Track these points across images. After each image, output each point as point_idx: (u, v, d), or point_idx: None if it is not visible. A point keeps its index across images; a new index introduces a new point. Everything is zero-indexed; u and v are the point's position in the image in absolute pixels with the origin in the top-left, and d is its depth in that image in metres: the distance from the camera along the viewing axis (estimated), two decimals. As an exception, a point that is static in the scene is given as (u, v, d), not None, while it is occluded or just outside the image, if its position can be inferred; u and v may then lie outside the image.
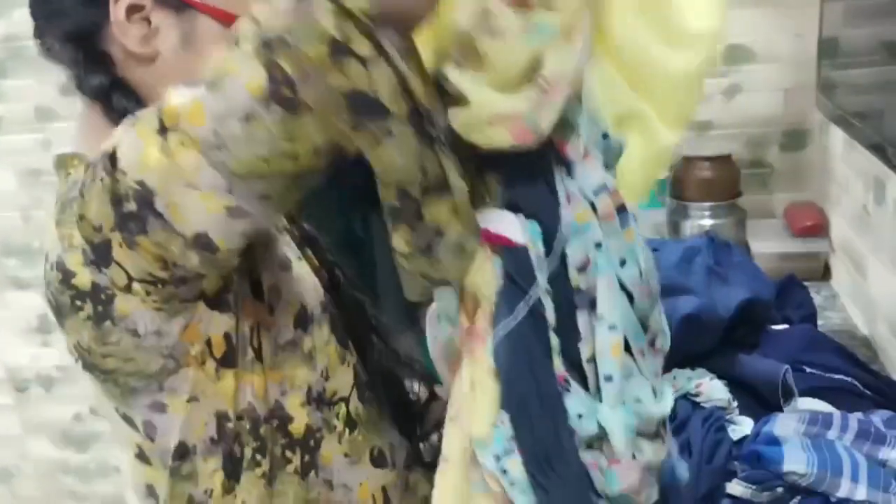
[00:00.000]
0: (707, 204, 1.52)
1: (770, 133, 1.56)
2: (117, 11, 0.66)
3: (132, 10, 0.66)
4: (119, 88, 0.69)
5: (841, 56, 1.37)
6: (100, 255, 0.61)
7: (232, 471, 0.71)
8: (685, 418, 0.78)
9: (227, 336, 0.68)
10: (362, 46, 0.49)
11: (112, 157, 0.58)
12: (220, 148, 0.54)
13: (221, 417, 0.69)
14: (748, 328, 0.97)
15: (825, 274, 1.43)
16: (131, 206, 0.58)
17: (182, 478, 0.71)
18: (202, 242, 0.59)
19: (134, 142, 0.58)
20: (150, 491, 0.74)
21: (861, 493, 0.71)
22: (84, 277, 0.62)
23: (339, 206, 0.85)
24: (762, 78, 1.53)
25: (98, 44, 0.69)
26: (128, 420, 0.71)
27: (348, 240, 1.02)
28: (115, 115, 0.68)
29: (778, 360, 0.87)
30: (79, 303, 0.63)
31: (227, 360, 0.68)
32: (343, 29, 0.49)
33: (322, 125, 0.52)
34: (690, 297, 0.95)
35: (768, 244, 1.48)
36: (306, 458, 0.73)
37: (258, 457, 0.71)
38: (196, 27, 0.68)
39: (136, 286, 0.62)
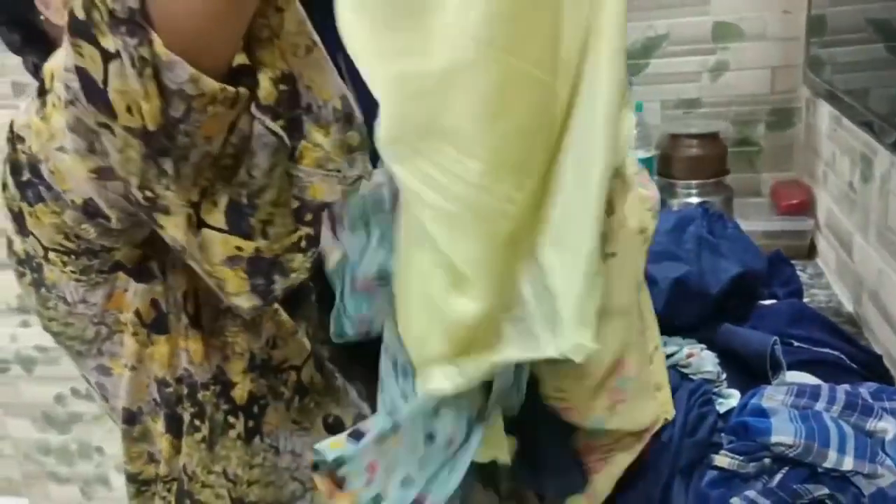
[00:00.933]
0: (694, 182, 1.52)
1: (757, 111, 1.55)
2: None
3: None
4: (31, 42, 0.72)
5: (829, 33, 1.36)
6: (20, 225, 0.64)
7: (176, 433, 0.73)
8: (672, 389, 0.77)
9: (154, 303, 0.68)
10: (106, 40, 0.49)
11: (12, 126, 0.60)
12: (74, 102, 0.52)
13: (160, 383, 0.71)
14: (739, 301, 0.97)
15: (811, 252, 1.43)
16: (27, 175, 0.59)
17: (135, 439, 0.75)
18: (91, 210, 0.59)
19: (26, 107, 0.59)
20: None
21: (848, 463, 0.70)
22: (18, 245, 0.66)
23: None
24: (750, 56, 1.52)
25: (35, 25, 0.71)
26: (86, 380, 0.76)
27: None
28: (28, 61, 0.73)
29: (766, 333, 0.86)
30: (21, 268, 0.68)
31: (158, 327, 0.69)
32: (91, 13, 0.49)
33: None
34: (680, 264, 0.94)
35: (755, 222, 1.47)
36: (250, 423, 0.73)
37: (197, 422, 0.71)
38: None
39: (52, 256, 0.63)
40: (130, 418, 0.73)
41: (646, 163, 1.51)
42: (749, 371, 0.84)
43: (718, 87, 1.55)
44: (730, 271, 0.96)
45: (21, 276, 0.69)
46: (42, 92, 0.57)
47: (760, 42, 1.50)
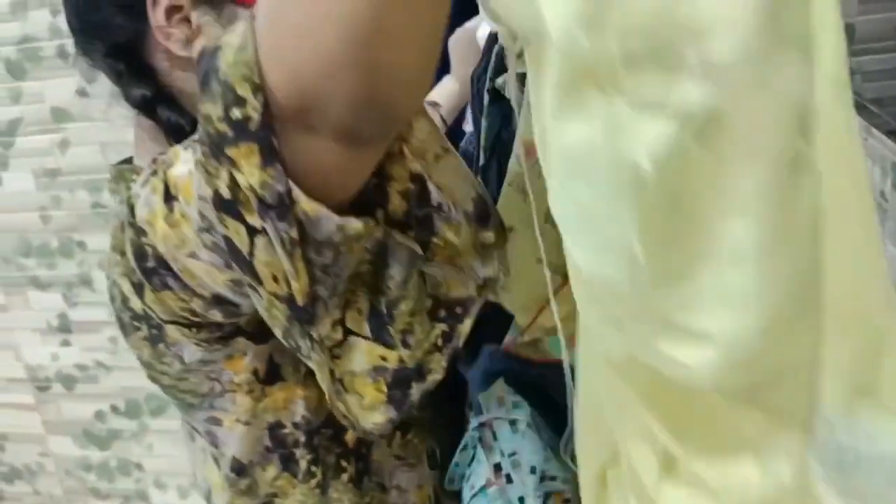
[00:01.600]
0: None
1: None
2: (157, 15, 0.65)
3: (171, 11, 0.66)
4: (163, 100, 0.69)
5: (856, 42, 1.36)
6: (139, 292, 0.63)
7: (291, 475, 0.72)
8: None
9: (270, 358, 0.68)
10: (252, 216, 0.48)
11: (132, 210, 0.59)
12: (210, 230, 0.53)
13: (274, 427, 0.70)
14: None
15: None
16: (152, 264, 0.59)
17: (240, 491, 0.73)
18: (222, 301, 0.59)
19: (147, 199, 0.58)
20: (208, 496, 0.77)
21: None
22: (136, 303, 0.64)
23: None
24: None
25: (141, 55, 0.69)
26: (194, 428, 0.74)
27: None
28: (163, 125, 0.69)
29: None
30: (136, 323, 0.66)
31: (274, 378, 0.69)
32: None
33: None
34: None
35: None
36: (360, 464, 0.73)
37: (313, 468, 0.71)
38: (237, 19, 0.66)
39: (171, 327, 0.63)
40: (240, 470, 0.72)
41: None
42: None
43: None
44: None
45: (135, 329, 0.66)
46: (168, 197, 0.55)
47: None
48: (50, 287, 2.03)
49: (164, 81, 0.70)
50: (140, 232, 0.58)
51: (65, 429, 2.16)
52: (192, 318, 0.62)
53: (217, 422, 0.71)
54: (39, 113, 1.90)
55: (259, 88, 0.43)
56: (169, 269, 0.58)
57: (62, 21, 1.82)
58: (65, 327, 2.06)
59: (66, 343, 2.07)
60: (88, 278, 2.00)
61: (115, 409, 2.09)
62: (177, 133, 0.69)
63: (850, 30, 1.36)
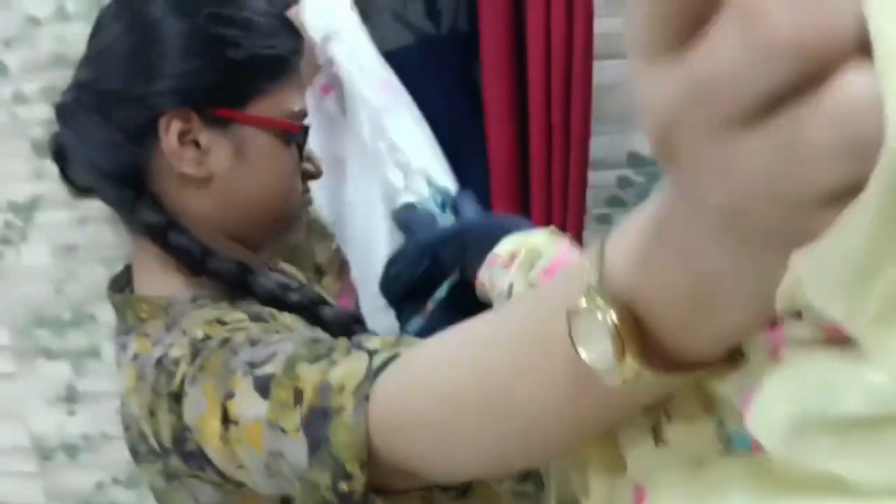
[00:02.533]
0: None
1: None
2: (170, 140, 0.67)
3: (182, 135, 0.68)
4: (173, 227, 0.70)
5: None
6: (163, 450, 0.64)
7: None
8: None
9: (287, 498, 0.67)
10: None
11: (177, 397, 0.60)
12: (272, 476, 0.56)
13: None
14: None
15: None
16: (191, 447, 0.60)
17: None
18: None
19: (197, 399, 0.58)
20: None
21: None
22: (155, 444, 0.65)
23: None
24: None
25: (148, 182, 0.71)
26: None
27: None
28: (173, 252, 0.70)
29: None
30: (153, 457, 0.67)
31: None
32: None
33: None
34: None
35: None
36: None
37: None
38: (245, 140, 0.70)
39: (191, 479, 0.65)
40: None
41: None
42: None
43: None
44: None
45: (150, 461, 0.66)
46: (225, 419, 0.56)
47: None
48: (59, 358, 2.08)
49: (173, 206, 0.71)
50: (185, 428, 0.59)
51: (65, 499, 2.18)
52: (218, 478, 0.63)
53: None
54: (60, 190, 1.98)
55: (365, 464, 0.47)
56: (209, 462, 0.60)
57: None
58: (72, 397, 2.10)
59: (72, 413, 2.11)
60: (97, 350, 2.05)
61: (115, 480, 2.11)
62: (187, 259, 0.70)
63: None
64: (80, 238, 2.00)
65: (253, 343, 0.60)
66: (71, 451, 2.14)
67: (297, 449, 0.51)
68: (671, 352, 0.30)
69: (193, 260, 0.70)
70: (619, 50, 1.58)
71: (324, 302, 0.77)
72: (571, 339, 0.32)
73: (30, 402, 2.14)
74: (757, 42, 0.19)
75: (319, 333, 0.69)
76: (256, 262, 0.77)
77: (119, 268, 1.90)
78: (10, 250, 2.05)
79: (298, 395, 0.52)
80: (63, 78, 1.92)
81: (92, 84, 0.70)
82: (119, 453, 2.08)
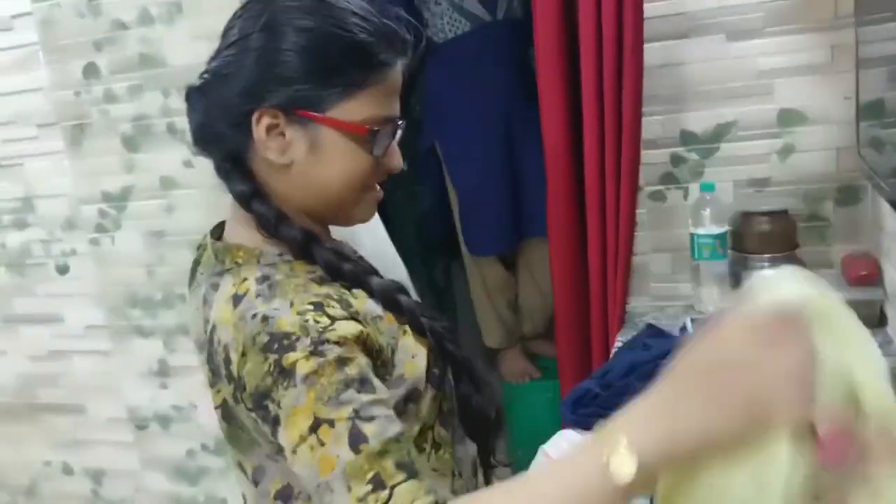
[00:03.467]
0: (766, 256, 1.63)
1: (825, 189, 1.65)
2: (259, 131, 0.81)
3: (270, 128, 0.81)
4: (257, 196, 0.84)
5: (887, 116, 1.47)
6: (238, 377, 0.77)
7: None
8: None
9: None
10: None
11: (284, 372, 0.72)
12: (313, 494, 0.72)
13: (286, 487, 0.83)
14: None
15: (881, 320, 1.51)
16: (268, 408, 0.73)
17: None
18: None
19: (301, 395, 0.71)
20: None
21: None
22: (234, 368, 0.77)
23: (422, 257, 1.02)
24: (815, 139, 1.63)
25: (245, 160, 0.85)
26: (240, 467, 0.87)
27: (431, 286, 1.22)
28: (255, 216, 0.84)
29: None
30: (231, 380, 0.77)
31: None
32: None
33: None
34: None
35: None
36: None
37: None
38: (320, 137, 0.82)
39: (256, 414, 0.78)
40: (287, 496, 0.84)
41: (719, 238, 1.63)
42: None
43: (787, 168, 1.67)
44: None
45: (226, 384, 0.78)
46: (313, 430, 0.71)
47: (824, 125, 1.62)
48: (152, 335, 2.26)
49: (260, 180, 0.85)
50: (269, 394, 0.72)
51: (159, 465, 2.36)
52: None
53: (274, 458, 0.81)
54: (150, 181, 2.15)
55: None
56: (276, 434, 0.73)
57: (172, 101, 2.10)
58: (163, 371, 2.28)
59: (164, 386, 2.29)
60: (186, 327, 2.21)
61: (204, 447, 2.28)
62: (264, 222, 0.84)
63: (880, 105, 1.46)
64: (168, 224, 2.16)
65: (363, 383, 0.73)
66: (163, 421, 2.32)
67: None
68: None
69: (269, 224, 0.84)
70: (669, 31, 1.64)
71: (374, 273, 0.90)
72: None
73: (125, 377, 2.33)
74: None
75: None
76: (320, 234, 0.90)
77: None
78: (106, 238, 2.23)
79: (377, 481, 0.68)
80: (148, 77, 2.07)
81: (214, 72, 0.84)
82: (208, 423, 2.26)
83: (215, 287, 0.84)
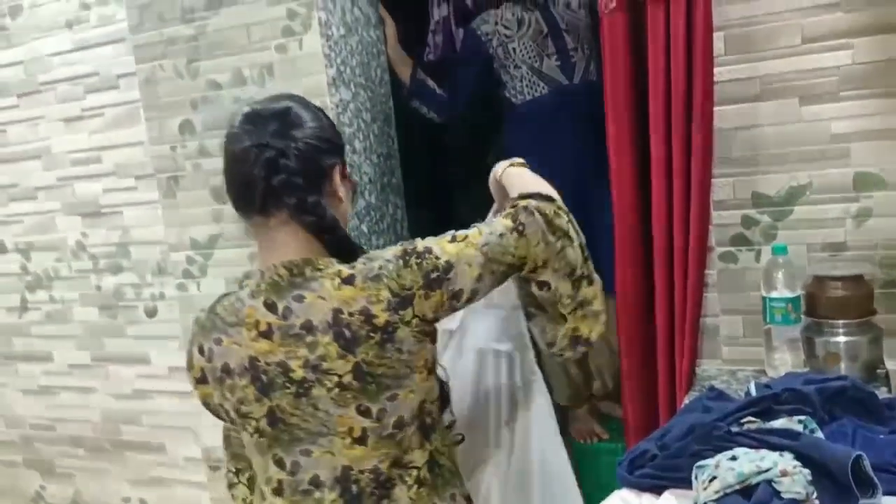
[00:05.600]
0: (841, 322, 1.58)
1: (903, 255, 1.61)
2: (335, 179, 1.15)
3: (342, 176, 1.16)
4: (327, 228, 1.11)
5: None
6: (401, 303, 1.04)
7: (425, 433, 1.11)
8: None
9: (433, 356, 1.12)
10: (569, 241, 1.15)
11: (419, 252, 1.07)
12: (486, 244, 1.09)
13: (423, 402, 1.10)
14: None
15: (964, 393, 1.44)
16: (438, 274, 1.06)
17: (394, 442, 1.08)
18: (458, 296, 1.09)
19: (436, 242, 1.10)
20: (346, 471, 1.07)
21: None
22: (382, 318, 1.03)
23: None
24: (892, 203, 1.60)
25: (323, 195, 1.12)
26: (362, 411, 1.05)
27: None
28: (323, 241, 1.11)
29: (872, 460, 0.94)
30: (372, 334, 1.03)
31: (432, 370, 1.12)
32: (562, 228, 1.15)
33: (528, 248, 1.11)
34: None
35: (907, 362, 1.51)
36: None
37: (447, 417, 1.20)
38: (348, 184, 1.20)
39: (415, 321, 1.05)
40: (400, 424, 1.09)
41: (792, 302, 1.61)
42: (842, 487, 0.92)
43: (863, 232, 1.63)
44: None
45: (368, 338, 1.04)
46: (453, 239, 1.13)
47: (902, 190, 1.59)
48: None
49: (329, 214, 1.12)
50: (430, 257, 1.08)
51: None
52: (432, 315, 1.08)
53: (394, 398, 1.06)
54: (235, 230, 2.26)
55: None
56: (447, 273, 1.08)
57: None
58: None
59: (237, 429, 2.36)
60: (261, 372, 2.29)
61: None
62: (341, 238, 1.12)
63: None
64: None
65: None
66: (236, 463, 2.38)
67: None
68: None
69: (345, 239, 1.13)
70: (741, 95, 1.65)
71: None
72: None
73: (202, 418, 2.41)
74: None
75: None
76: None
77: None
78: (192, 283, 2.35)
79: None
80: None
81: (300, 141, 1.10)
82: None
83: (300, 298, 1.05)
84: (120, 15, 2.32)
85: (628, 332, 1.78)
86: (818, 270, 1.64)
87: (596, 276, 1.19)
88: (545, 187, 1.20)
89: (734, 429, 1.10)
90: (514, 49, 2.45)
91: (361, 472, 1.07)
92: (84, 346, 2.65)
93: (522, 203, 1.13)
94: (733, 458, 0.98)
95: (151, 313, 2.49)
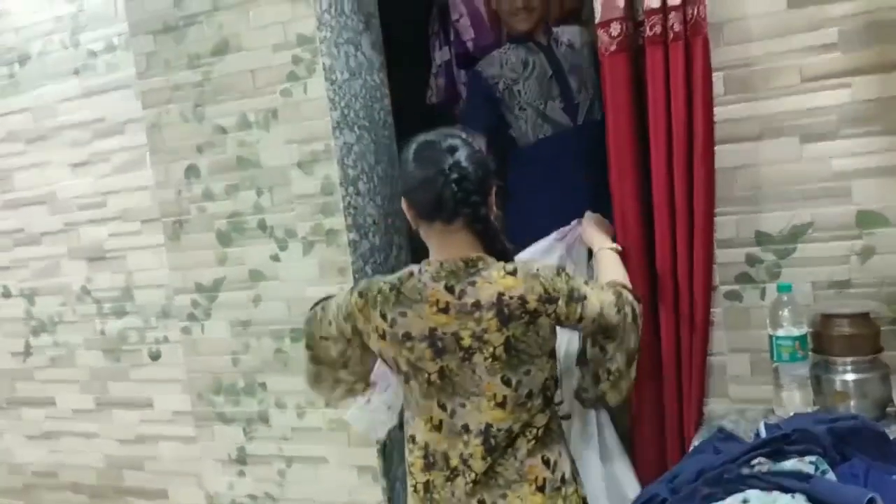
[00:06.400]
0: (849, 359, 1.58)
1: (910, 291, 1.60)
2: (491, 199, 1.46)
3: (494, 194, 1.48)
4: (488, 234, 1.44)
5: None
6: (548, 300, 1.38)
7: (546, 404, 1.46)
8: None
9: (555, 346, 1.48)
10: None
11: (569, 275, 1.44)
12: (601, 302, 1.45)
13: (546, 380, 1.44)
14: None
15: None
16: (578, 295, 1.41)
17: (525, 409, 1.42)
18: (581, 320, 1.44)
19: (576, 276, 1.47)
20: (487, 427, 1.41)
21: None
22: (532, 305, 1.37)
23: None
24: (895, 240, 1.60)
25: (487, 210, 1.44)
26: (505, 381, 1.40)
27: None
28: (485, 244, 1.44)
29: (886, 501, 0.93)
30: (524, 315, 1.37)
31: (554, 356, 1.48)
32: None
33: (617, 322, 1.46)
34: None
35: (917, 400, 1.50)
36: None
37: (558, 395, 1.54)
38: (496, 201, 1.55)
39: (553, 316, 1.40)
40: (530, 394, 1.44)
41: (798, 340, 1.60)
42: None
43: (868, 269, 1.63)
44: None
45: (519, 318, 1.38)
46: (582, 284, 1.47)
47: (905, 227, 1.59)
48: (234, 422, 2.33)
49: (493, 223, 1.44)
50: (569, 281, 1.42)
51: (233, 554, 2.39)
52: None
53: (528, 372, 1.41)
54: (240, 273, 2.26)
55: None
56: (580, 295, 1.43)
57: (264, 200, 2.23)
58: (242, 459, 2.33)
59: (241, 474, 2.34)
60: (266, 415, 2.28)
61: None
62: (501, 241, 1.46)
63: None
64: (254, 314, 2.26)
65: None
66: (239, 509, 2.36)
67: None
68: None
69: (497, 235, 1.45)
70: (742, 134, 1.66)
71: None
72: None
73: (206, 462, 2.39)
74: None
75: None
76: None
77: (286, 343, 2.20)
78: (196, 326, 2.35)
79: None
80: (243, 177, 2.21)
81: (473, 168, 1.41)
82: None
83: (473, 283, 1.39)
84: (127, 62, 2.36)
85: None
86: (824, 308, 1.64)
87: (636, 362, 1.49)
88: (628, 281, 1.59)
89: (745, 471, 1.09)
90: (519, 91, 2.47)
91: (499, 430, 1.41)
92: (87, 390, 2.64)
93: (626, 294, 1.48)
94: (745, 501, 0.97)
95: (155, 357, 2.48)
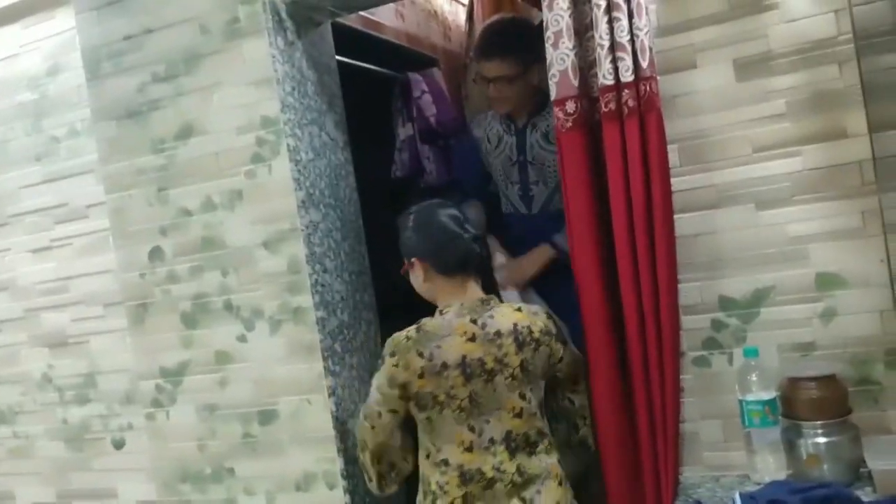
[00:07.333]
0: (819, 422, 1.58)
1: (873, 352, 1.63)
2: (495, 249, 2.31)
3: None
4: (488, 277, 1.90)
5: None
6: (546, 333, 1.76)
7: (543, 417, 1.77)
8: None
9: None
10: None
11: (557, 321, 1.82)
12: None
13: (542, 398, 1.76)
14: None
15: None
16: (563, 339, 1.82)
17: (536, 417, 1.73)
18: (559, 362, 1.83)
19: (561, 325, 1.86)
20: (508, 434, 1.70)
21: None
22: (536, 334, 1.74)
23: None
24: (855, 302, 1.63)
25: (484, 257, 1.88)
26: (521, 396, 1.71)
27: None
28: (481, 284, 1.83)
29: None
30: (532, 342, 1.72)
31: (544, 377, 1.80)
32: None
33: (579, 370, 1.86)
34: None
35: (888, 460, 1.50)
36: None
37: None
38: None
39: (549, 348, 1.76)
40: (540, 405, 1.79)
41: (768, 404, 1.61)
42: None
43: (831, 331, 1.66)
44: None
45: (532, 347, 1.74)
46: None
47: (863, 289, 1.62)
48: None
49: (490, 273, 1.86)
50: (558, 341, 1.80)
51: None
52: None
53: (539, 389, 1.76)
54: (205, 356, 2.22)
55: None
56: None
57: (230, 280, 2.20)
58: None
59: None
60: (234, 503, 2.21)
61: None
62: (490, 292, 1.81)
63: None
64: (220, 398, 2.21)
65: None
66: None
67: None
68: None
69: (494, 283, 1.93)
70: (700, 202, 1.70)
71: None
72: None
73: (173, 555, 2.30)
74: None
75: None
76: None
77: (254, 427, 2.15)
78: (161, 412, 2.29)
79: None
80: (208, 258, 2.19)
81: (480, 232, 1.92)
82: None
83: (491, 317, 1.73)
84: (89, 147, 2.36)
85: (609, 446, 1.75)
86: (791, 372, 1.65)
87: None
88: None
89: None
90: (490, 163, 2.55)
91: (518, 435, 1.70)
92: (49, 483, 2.54)
93: (572, 348, 1.83)
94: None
95: (119, 445, 2.41)
